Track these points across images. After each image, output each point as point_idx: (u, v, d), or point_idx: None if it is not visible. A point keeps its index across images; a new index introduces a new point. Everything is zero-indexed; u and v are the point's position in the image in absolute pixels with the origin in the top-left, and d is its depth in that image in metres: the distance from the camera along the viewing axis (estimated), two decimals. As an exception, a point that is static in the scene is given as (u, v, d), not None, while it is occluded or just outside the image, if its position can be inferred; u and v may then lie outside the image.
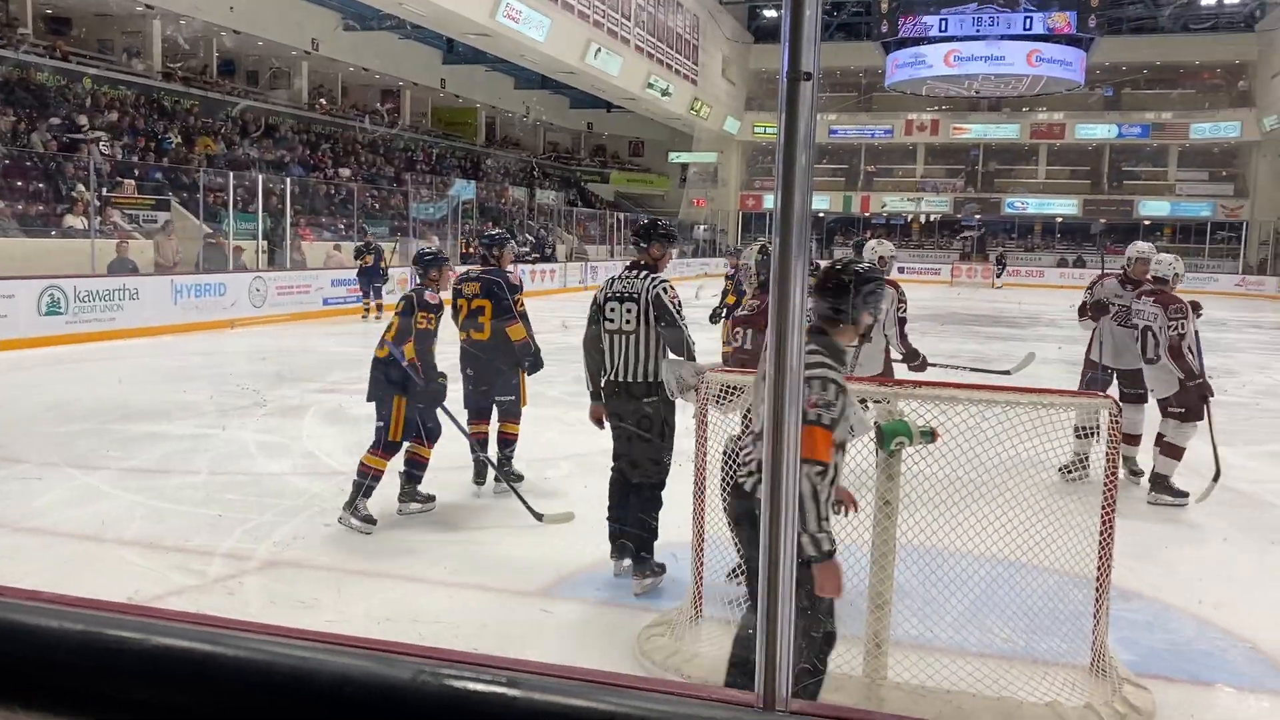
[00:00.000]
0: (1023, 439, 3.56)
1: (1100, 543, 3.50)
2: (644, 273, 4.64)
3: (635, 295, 4.56)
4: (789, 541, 1.68)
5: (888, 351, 6.54)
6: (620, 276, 4.71)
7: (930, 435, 3.42)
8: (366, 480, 5.25)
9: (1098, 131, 40.54)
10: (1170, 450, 6.15)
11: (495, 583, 4.54)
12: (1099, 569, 3.52)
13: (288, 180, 20.00)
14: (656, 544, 4.52)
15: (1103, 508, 3.52)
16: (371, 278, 16.88)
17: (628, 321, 4.53)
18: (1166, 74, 40.12)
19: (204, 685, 0.81)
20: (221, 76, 27.12)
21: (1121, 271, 7.03)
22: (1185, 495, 6.09)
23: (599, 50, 28.03)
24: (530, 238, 28.64)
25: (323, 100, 29.56)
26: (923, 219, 43.67)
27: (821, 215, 42.85)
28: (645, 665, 3.68)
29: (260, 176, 19.39)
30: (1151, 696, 3.43)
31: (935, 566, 3.69)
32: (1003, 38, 35.13)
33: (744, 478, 3.05)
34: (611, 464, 4.70)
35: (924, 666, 3.44)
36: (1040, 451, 3.62)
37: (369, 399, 5.43)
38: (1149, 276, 6.67)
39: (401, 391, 5.30)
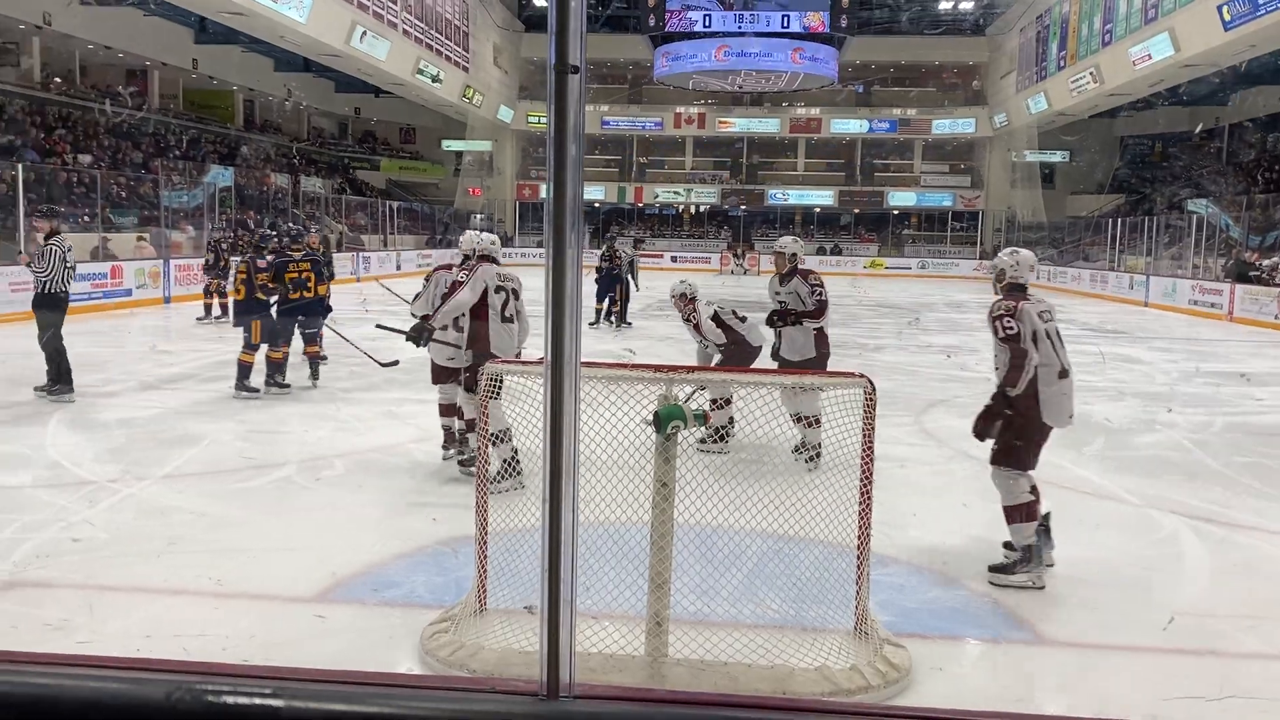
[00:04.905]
0: (789, 419, 3.75)
1: (860, 513, 3.74)
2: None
3: None
4: (571, 531, 1.69)
5: (821, 337, 6.76)
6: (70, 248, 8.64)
7: (703, 418, 3.55)
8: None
9: (850, 126, 43.04)
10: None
11: (266, 591, 4.34)
12: (859, 538, 3.75)
13: (19, 166, 18.24)
14: (439, 540, 4.44)
15: (861, 481, 3.75)
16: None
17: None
18: (911, 73, 43.08)
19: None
20: (-66, 51, 24.40)
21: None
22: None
23: (365, 33, 27.10)
24: (293, 226, 27.42)
25: (58, 79, 27.10)
26: (692, 209, 45.01)
27: (597, 205, 43.37)
28: (430, 663, 3.62)
29: (-15, 162, 17.56)
30: (908, 653, 3.69)
31: (712, 545, 3.83)
32: (763, 34, 36.63)
33: None
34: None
35: (703, 641, 3.56)
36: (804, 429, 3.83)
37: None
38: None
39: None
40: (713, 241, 42.81)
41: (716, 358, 7.34)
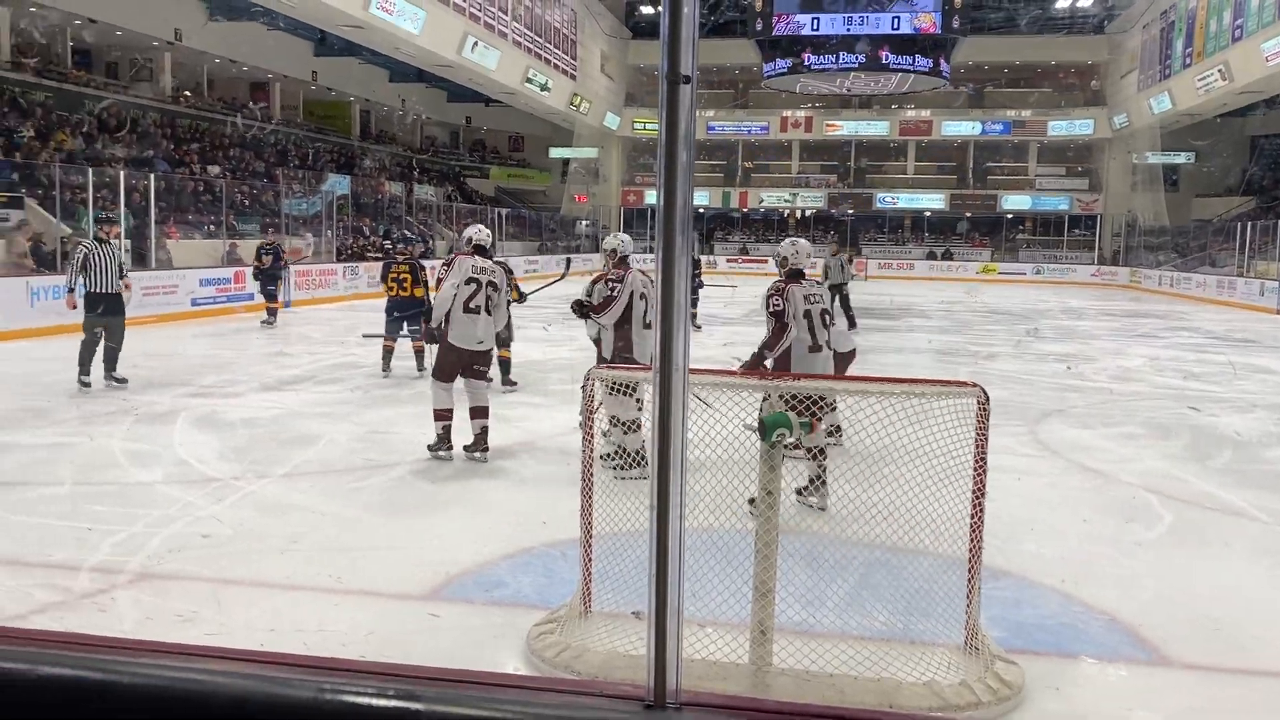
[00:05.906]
0: (897, 427, 3.69)
1: (971, 526, 3.65)
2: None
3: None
4: (678, 539, 1.70)
5: (621, 335, 6.73)
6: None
7: (809, 426, 3.51)
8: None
9: (962, 129, 42.07)
10: None
11: (380, 588, 4.46)
12: (970, 551, 3.67)
13: (151, 177, 19.18)
14: (545, 542, 4.50)
15: (973, 492, 3.67)
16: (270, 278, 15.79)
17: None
18: (1025, 74, 41.92)
19: (96, 716, 0.77)
20: (78, 68, 25.82)
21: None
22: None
23: (476, 44, 27.70)
24: (408, 234, 28.19)
25: (187, 93, 28.41)
26: (799, 214, 44.61)
27: (702, 211, 43.33)
28: (536, 664, 3.67)
29: (123, 173, 18.49)
30: (1021, 670, 3.59)
31: (817, 554, 3.79)
32: (872, 37, 36.09)
33: None
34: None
35: (808, 651, 3.52)
36: (915, 439, 3.75)
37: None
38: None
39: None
40: (819, 246, 42.30)
41: None
